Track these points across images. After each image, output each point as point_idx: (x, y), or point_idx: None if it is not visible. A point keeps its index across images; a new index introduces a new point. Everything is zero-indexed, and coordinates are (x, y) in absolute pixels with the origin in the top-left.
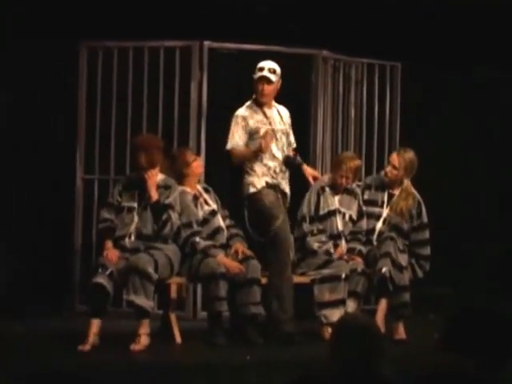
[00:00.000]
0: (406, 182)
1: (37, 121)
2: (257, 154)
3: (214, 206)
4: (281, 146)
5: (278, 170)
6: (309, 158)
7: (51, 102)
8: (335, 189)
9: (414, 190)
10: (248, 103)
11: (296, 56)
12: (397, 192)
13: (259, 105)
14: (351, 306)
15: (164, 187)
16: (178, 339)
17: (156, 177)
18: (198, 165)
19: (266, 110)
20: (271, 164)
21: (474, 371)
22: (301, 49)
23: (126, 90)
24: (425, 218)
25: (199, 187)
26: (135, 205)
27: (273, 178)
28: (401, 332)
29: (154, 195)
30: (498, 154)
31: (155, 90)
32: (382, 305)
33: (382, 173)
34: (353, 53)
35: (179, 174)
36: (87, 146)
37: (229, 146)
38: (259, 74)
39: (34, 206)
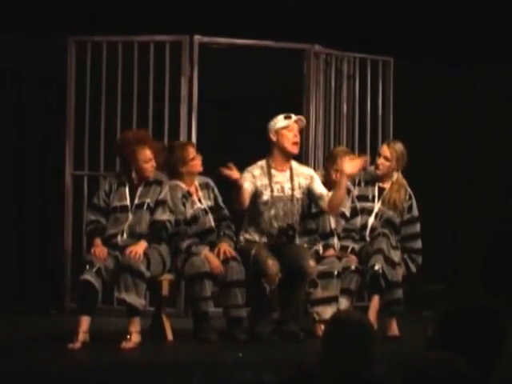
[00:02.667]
0: (397, 175)
1: (25, 117)
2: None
3: (207, 205)
4: (282, 215)
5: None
6: (301, 154)
7: (39, 98)
8: (328, 185)
9: (405, 182)
10: (259, 163)
11: (287, 51)
12: (387, 185)
13: (270, 166)
14: (344, 303)
15: (156, 183)
16: (170, 337)
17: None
18: (196, 164)
19: (277, 173)
20: (265, 227)
21: (467, 369)
22: (292, 43)
23: (116, 85)
24: (415, 212)
25: (196, 183)
26: (127, 203)
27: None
28: (394, 329)
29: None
30: (493, 150)
31: (145, 86)
32: (375, 301)
33: (371, 168)
34: (345, 47)
35: (175, 170)
36: (76, 141)
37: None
38: (288, 120)
39: (23, 202)
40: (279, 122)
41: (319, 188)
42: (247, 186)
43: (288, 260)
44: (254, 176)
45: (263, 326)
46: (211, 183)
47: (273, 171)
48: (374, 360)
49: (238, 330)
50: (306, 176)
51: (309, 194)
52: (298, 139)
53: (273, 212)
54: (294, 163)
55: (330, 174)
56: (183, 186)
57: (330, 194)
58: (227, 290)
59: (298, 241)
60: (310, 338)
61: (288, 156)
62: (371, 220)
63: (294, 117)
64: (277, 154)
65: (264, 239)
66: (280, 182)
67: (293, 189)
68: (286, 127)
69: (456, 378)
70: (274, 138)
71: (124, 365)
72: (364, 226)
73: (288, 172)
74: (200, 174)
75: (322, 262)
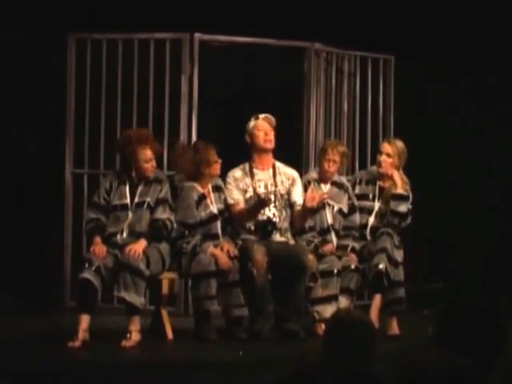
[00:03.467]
0: (398, 172)
1: (25, 114)
2: (258, 207)
3: (217, 208)
4: (267, 210)
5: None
6: (301, 152)
7: (39, 95)
8: (323, 180)
9: (406, 180)
10: (241, 165)
11: (288, 49)
12: (388, 184)
13: (251, 167)
14: (344, 302)
15: (157, 181)
16: (170, 335)
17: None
18: (217, 167)
19: (259, 171)
20: (249, 223)
21: (467, 368)
22: (293, 41)
23: (116, 83)
24: (408, 207)
25: (209, 186)
26: (127, 201)
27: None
28: (394, 328)
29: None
30: (494, 149)
31: (145, 83)
32: (377, 300)
33: (372, 167)
34: (345, 45)
35: (196, 170)
36: (76, 139)
37: (230, 200)
38: (256, 120)
39: (23, 200)
40: (250, 123)
41: (296, 195)
42: (237, 195)
43: (287, 256)
44: (236, 179)
45: (262, 323)
46: (222, 185)
47: (255, 170)
48: (375, 359)
49: (239, 328)
50: (289, 176)
51: (287, 195)
52: (269, 137)
53: None
54: (277, 163)
55: (323, 165)
56: (199, 188)
57: (298, 208)
58: (228, 290)
59: (291, 238)
60: (311, 337)
61: (265, 154)
62: (371, 219)
63: (261, 116)
64: (255, 154)
65: (257, 238)
66: (263, 180)
67: (276, 185)
68: (255, 127)
69: (456, 378)
70: (248, 139)
71: (124, 363)
72: (364, 225)
73: (271, 170)
74: None
75: (322, 260)
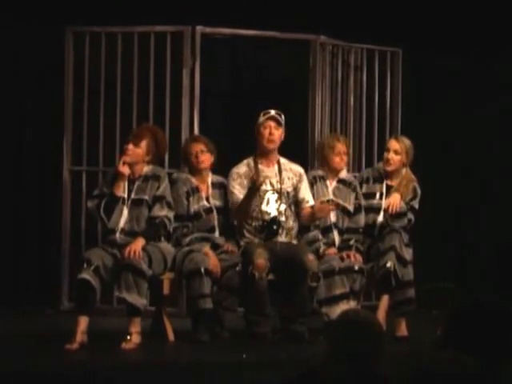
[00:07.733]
0: (406, 169)
1: (22, 110)
2: (251, 195)
3: (214, 204)
4: (275, 207)
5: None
6: (307, 147)
7: (37, 91)
8: (331, 177)
9: (414, 178)
10: (246, 160)
11: (293, 42)
12: (395, 183)
13: (256, 162)
14: (350, 304)
15: (154, 178)
16: (171, 337)
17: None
18: (201, 161)
19: (264, 167)
20: (255, 223)
21: (476, 369)
22: (298, 34)
23: (115, 77)
24: (415, 204)
25: (209, 181)
26: (125, 195)
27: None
28: (403, 329)
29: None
30: (498, 148)
31: (146, 78)
32: (384, 301)
33: (379, 164)
34: (352, 38)
35: (186, 163)
36: (75, 136)
37: (230, 203)
38: (265, 116)
39: (21, 199)
40: (260, 118)
41: (304, 192)
42: (239, 195)
43: (288, 257)
44: (239, 176)
45: (263, 326)
46: (225, 182)
47: (260, 166)
48: (383, 360)
49: (221, 328)
50: (295, 172)
51: (294, 192)
52: (273, 136)
53: (263, 205)
54: (282, 159)
55: (333, 161)
56: (193, 180)
57: (309, 207)
58: (224, 293)
59: (295, 237)
60: (317, 337)
61: (269, 151)
62: (380, 218)
63: (271, 113)
64: (261, 149)
65: (260, 238)
66: (268, 177)
67: (281, 183)
68: (262, 124)
69: (465, 379)
70: (256, 134)
71: (124, 366)
72: (372, 224)
73: (276, 166)
74: (214, 172)
75: (321, 260)
